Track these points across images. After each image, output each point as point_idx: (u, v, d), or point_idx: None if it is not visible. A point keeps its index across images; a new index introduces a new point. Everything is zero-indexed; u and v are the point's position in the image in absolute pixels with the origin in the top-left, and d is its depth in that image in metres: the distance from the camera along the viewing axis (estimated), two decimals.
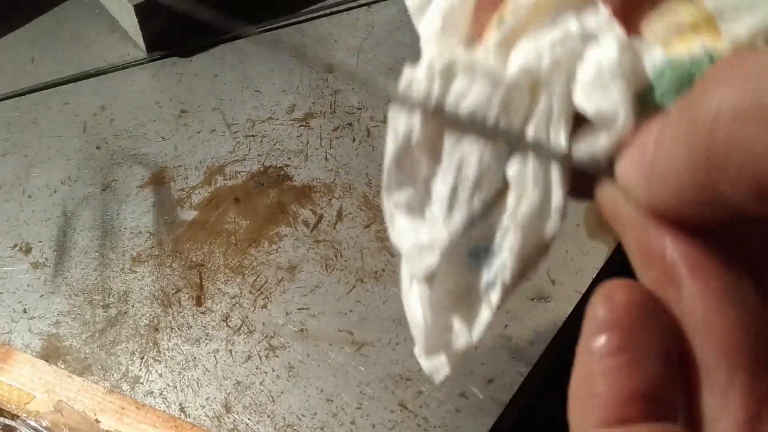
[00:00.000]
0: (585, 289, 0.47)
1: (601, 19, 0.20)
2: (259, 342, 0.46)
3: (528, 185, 0.21)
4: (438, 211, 0.22)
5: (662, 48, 0.20)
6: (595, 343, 0.17)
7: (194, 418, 0.43)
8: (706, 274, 0.17)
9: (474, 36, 0.23)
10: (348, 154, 0.56)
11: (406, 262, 0.23)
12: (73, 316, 0.47)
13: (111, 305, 0.48)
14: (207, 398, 0.43)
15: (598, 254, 0.49)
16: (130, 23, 0.62)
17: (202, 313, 0.47)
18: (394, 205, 0.23)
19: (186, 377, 0.44)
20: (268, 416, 0.43)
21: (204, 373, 0.44)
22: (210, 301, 0.48)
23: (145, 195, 0.53)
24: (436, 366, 0.23)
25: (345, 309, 0.47)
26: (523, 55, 0.21)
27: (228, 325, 0.46)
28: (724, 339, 0.17)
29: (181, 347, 0.46)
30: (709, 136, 0.15)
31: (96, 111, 0.59)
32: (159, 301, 0.48)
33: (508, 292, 0.21)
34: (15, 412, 0.42)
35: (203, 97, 0.60)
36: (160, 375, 0.44)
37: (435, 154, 0.22)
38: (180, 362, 0.45)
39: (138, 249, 0.50)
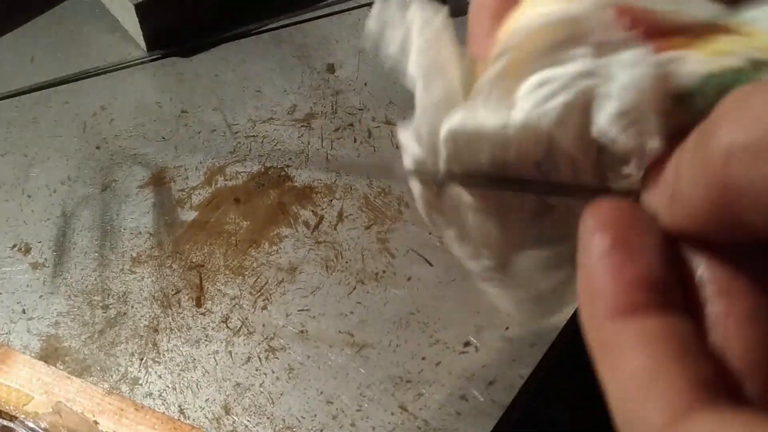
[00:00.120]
0: None
1: (620, 39, 0.19)
2: (259, 343, 0.45)
3: None
4: None
5: (700, 55, 0.19)
6: (591, 247, 0.18)
7: (193, 419, 0.42)
8: (732, 293, 0.18)
9: (472, 55, 0.22)
10: (349, 154, 0.55)
11: None
12: (73, 316, 0.47)
13: (110, 306, 0.47)
14: (206, 400, 0.43)
15: None
16: (131, 22, 0.62)
17: (201, 314, 0.47)
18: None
19: (185, 379, 0.44)
20: (268, 418, 0.42)
21: (203, 374, 0.44)
22: (210, 302, 0.47)
23: (145, 195, 0.53)
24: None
25: (345, 310, 0.47)
26: (533, 93, 0.20)
27: (228, 327, 0.46)
28: (745, 357, 0.17)
29: (181, 348, 0.45)
30: (723, 171, 0.16)
31: (96, 111, 0.59)
32: (159, 302, 0.47)
33: None
34: (13, 414, 0.42)
35: (204, 97, 0.60)
36: (160, 376, 0.44)
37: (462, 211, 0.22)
38: (179, 363, 0.45)
39: (138, 250, 0.50)
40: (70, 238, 0.51)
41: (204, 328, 0.46)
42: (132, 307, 0.47)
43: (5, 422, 0.41)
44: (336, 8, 0.66)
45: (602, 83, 0.19)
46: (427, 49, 0.22)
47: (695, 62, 0.18)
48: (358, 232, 0.51)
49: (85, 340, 0.46)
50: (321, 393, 0.43)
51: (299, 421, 0.42)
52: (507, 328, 0.45)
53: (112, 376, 0.44)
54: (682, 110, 0.18)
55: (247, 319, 0.46)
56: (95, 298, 0.48)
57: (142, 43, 0.62)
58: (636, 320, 0.17)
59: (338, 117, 0.58)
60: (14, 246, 0.51)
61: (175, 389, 0.44)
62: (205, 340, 0.46)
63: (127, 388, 0.44)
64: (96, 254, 0.50)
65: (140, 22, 0.60)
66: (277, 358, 0.45)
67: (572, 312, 0.46)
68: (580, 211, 0.19)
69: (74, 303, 0.48)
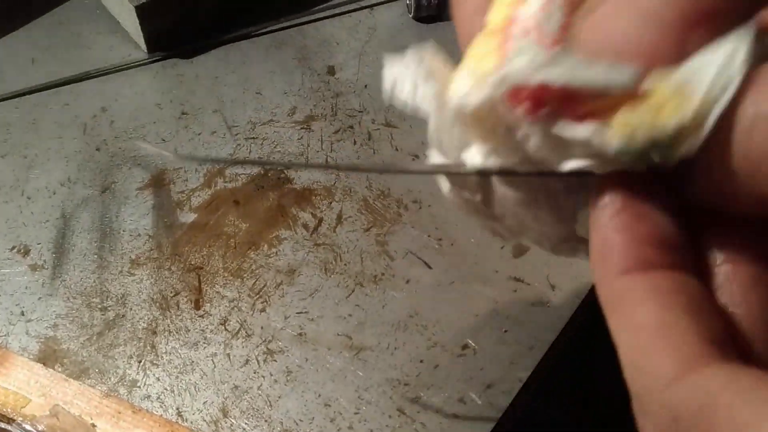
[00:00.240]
0: (585, 294, 0.47)
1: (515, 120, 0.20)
2: (258, 346, 0.45)
3: None
4: None
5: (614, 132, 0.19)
6: (602, 207, 0.19)
7: (191, 422, 0.42)
8: (737, 260, 0.19)
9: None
10: (349, 157, 0.55)
11: None
12: (71, 318, 0.47)
13: (109, 308, 0.47)
14: (204, 402, 0.43)
15: None
16: (132, 24, 0.62)
17: (200, 316, 0.47)
18: None
19: (183, 381, 0.44)
20: (266, 421, 0.42)
21: (202, 377, 0.44)
22: (208, 304, 0.47)
23: (144, 197, 0.53)
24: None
25: (344, 313, 0.47)
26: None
27: (226, 329, 0.46)
28: (751, 320, 0.18)
29: (179, 351, 0.45)
30: (747, 138, 0.16)
31: (96, 112, 0.59)
32: (157, 304, 0.47)
33: None
34: (11, 416, 0.42)
35: (204, 98, 0.60)
36: (158, 379, 0.44)
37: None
38: (178, 366, 0.45)
39: (137, 252, 0.50)
40: (70, 240, 0.51)
41: (202, 330, 0.46)
42: (130, 309, 0.47)
43: (3, 425, 0.41)
44: (336, 10, 0.66)
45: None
46: (426, 79, 0.23)
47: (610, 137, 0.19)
48: (357, 234, 0.51)
49: (84, 342, 0.46)
50: (319, 396, 0.43)
51: (297, 424, 0.42)
52: (505, 331, 0.45)
53: (110, 378, 0.44)
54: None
55: (245, 321, 0.46)
56: (94, 300, 0.48)
57: (143, 45, 0.62)
58: (647, 276, 0.18)
59: (338, 119, 0.58)
60: (13, 248, 0.51)
61: (173, 392, 0.44)
62: (204, 343, 0.46)
63: (125, 391, 0.44)
64: (95, 256, 0.50)
65: (141, 23, 0.60)
66: (275, 360, 0.45)
67: (570, 315, 0.46)
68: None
69: (73, 305, 0.48)
